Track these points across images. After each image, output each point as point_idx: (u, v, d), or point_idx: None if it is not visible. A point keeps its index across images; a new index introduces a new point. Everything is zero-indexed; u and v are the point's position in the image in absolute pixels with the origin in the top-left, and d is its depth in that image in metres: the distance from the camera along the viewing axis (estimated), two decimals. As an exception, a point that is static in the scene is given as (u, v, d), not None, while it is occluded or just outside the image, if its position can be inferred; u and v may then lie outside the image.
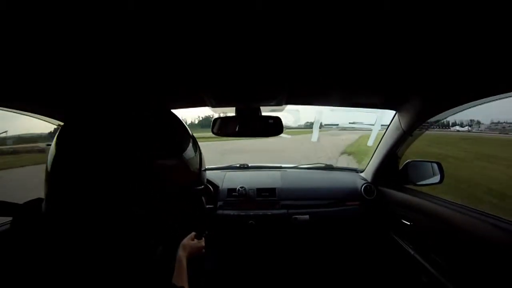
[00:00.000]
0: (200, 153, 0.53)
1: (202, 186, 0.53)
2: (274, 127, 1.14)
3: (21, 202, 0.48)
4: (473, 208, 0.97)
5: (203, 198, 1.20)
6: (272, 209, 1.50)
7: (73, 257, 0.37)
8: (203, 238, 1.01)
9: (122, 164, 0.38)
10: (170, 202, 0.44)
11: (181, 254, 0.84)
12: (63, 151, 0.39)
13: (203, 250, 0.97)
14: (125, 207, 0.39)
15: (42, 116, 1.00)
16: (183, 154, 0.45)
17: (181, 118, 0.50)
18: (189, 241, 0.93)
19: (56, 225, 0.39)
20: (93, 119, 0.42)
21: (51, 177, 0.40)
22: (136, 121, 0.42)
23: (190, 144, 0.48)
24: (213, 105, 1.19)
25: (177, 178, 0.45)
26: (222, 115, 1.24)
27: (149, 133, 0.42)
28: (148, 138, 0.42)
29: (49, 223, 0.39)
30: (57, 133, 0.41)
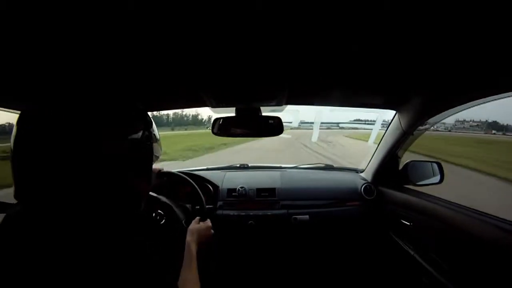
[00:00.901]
0: (152, 142, 0.58)
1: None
2: (274, 127, 1.15)
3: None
4: (473, 209, 0.97)
5: (202, 197, 1.21)
6: (272, 209, 1.50)
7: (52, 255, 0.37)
8: (208, 219, 1.03)
9: (71, 144, 0.41)
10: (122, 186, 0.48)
11: (189, 239, 0.85)
12: (21, 134, 0.43)
13: (212, 231, 1.00)
14: (84, 192, 0.42)
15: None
16: (129, 138, 0.50)
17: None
18: (195, 224, 0.94)
19: (39, 223, 0.40)
20: (49, 105, 0.45)
21: (13, 159, 0.43)
22: (89, 109, 0.46)
23: (140, 133, 0.53)
24: (213, 105, 1.19)
25: (125, 159, 0.48)
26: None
27: (98, 119, 0.46)
28: (97, 123, 0.45)
29: (35, 222, 0.41)
30: (17, 118, 0.44)
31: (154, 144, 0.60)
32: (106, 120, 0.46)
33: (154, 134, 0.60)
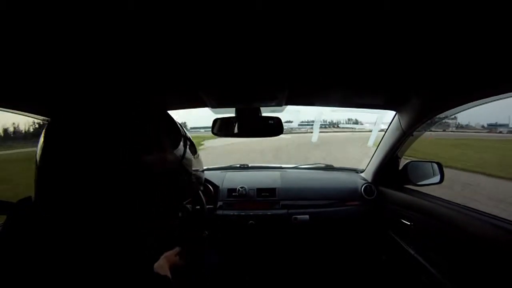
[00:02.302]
0: (195, 155, 0.52)
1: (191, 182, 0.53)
2: (274, 127, 1.15)
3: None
4: (473, 208, 0.97)
5: (203, 197, 1.20)
6: (272, 209, 1.50)
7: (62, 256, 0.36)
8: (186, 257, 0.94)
9: (106, 158, 0.38)
10: (159, 201, 0.44)
11: (162, 263, 0.80)
12: (50, 146, 0.39)
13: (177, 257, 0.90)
14: (113, 202, 0.39)
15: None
16: (174, 151, 0.45)
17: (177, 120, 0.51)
18: (173, 256, 0.87)
19: (46, 224, 0.39)
20: (80, 114, 0.41)
21: (39, 172, 0.40)
22: (123, 118, 0.42)
23: (181, 144, 0.47)
24: (213, 105, 1.19)
25: (164, 176, 0.44)
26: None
27: (135, 129, 0.42)
28: (133, 134, 0.41)
29: (39, 222, 0.39)
30: (44, 128, 0.41)
31: (198, 159, 0.54)
32: (137, 130, 0.42)
33: (194, 145, 0.54)
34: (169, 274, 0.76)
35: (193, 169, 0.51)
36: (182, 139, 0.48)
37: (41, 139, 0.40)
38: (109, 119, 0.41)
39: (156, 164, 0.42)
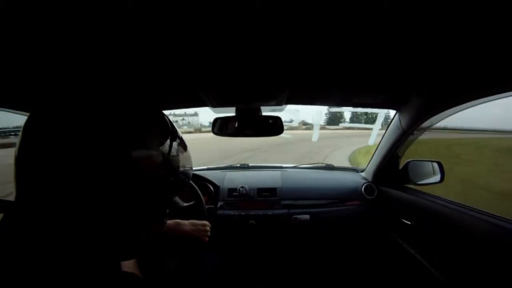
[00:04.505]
0: (183, 152, 0.51)
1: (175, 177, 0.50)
2: (274, 127, 1.15)
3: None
4: (474, 208, 0.97)
5: (201, 195, 1.20)
6: (273, 209, 1.51)
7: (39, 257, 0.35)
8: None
9: (84, 151, 0.36)
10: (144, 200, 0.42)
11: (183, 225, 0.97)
12: (27, 138, 0.38)
13: (208, 232, 1.09)
14: (94, 197, 0.37)
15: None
16: (160, 147, 0.43)
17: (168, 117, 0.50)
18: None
19: (27, 222, 0.38)
20: (58, 107, 0.39)
21: (16, 166, 0.38)
22: (106, 111, 0.40)
23: (168, 140, 0.46)
24: (213, 105, 1.19)
25: (150, 173, 0.42)
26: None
27: (119, 123, 0.40)
28: (117, 127, 0.39)
29: (21, 220, 0.38)
30: (25, 121, 0.39)
31: (186, 156, 0.53)
32: (125, 124, 0.40)
33: (184, 142, 0.53)
34: (137, 272, 0.76)
35: (180, 165, 0.50)
36: (170, 135, 0.46)
37: (21, 131, 0.38)
38: (90, 112, 0.39)
39: (139, 159, 0.40)
